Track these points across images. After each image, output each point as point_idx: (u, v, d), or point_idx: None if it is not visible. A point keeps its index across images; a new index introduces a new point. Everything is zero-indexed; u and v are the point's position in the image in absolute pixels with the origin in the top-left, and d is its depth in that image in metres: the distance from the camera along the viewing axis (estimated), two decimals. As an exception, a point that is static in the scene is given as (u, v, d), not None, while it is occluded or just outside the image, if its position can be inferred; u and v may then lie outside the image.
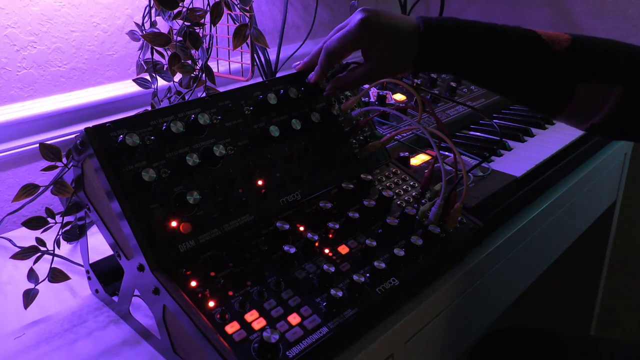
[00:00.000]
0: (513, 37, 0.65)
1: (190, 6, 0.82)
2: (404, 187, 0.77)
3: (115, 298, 0.68)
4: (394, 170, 0.79)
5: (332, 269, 0.58)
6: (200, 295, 0.54)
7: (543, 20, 1.49)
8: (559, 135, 1.04)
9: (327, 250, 0.64)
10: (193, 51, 0.84)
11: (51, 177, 0.68)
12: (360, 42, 0.67)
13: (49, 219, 0.70)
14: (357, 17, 0.66)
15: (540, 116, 1.11)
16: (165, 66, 0.87)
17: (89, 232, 0.69)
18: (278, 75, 1.03)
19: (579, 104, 0.65)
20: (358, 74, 0.70)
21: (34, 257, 0.68)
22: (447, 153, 0.91)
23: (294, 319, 0.55)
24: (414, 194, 0.76)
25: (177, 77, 0.88)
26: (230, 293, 0.56)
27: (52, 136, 0.95)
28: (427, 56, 0.66)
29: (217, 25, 0.83)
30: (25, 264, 0.69)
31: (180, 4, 0.80)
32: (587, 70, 0.64)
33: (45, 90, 0.95)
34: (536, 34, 0.65)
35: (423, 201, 0.75)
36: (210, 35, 0.85)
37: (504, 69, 0.66)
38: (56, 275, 0.69)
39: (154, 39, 0.82)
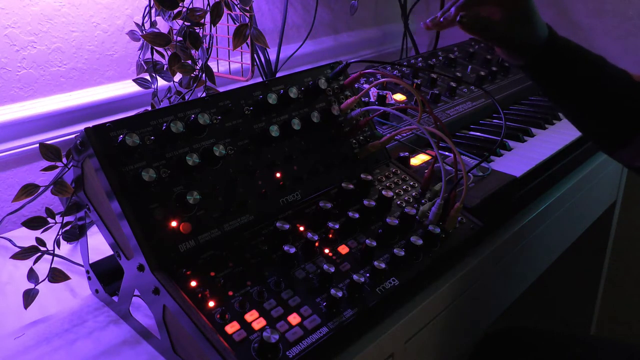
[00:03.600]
0: (607, 64, 0.71)
1: (190, 6, 0.82)
2: (404, 187, 0.77)
3: (115, 298, 0.68)
4: (394, 170, 0.79)
5: (332, 269, 0.58)
6: (200, 295, 0.54)
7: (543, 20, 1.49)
8: (559, 135, 1.04)
9: (327, 250, 0.64)
10: (193, 51, 0.84)
11: (51, 177, 0.68)
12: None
13: (49, 219, 0.70)
14: None
15: (540, 116, 1.11)
16: (165, 66, 0.87)
17: (89, 232, 0.69)
18: (278, 75, 1.03)
19: None
20: (497, 26, 0.70)
21: (34, 257, 0.68)
22: (447, 153, 0.91)
23: (294, 319, 0.55)
24: (414, 194, 0.76)
25: (177, 77, 0.88)
26: (230, 293, 0.56)
27: (52, 136, 0.95)
28: (545, 54, 0.69)
29: (217, 25, 0.83)
30: (25, 264, 0.69)
31: (180, 4, 0.80)
32: None
33: (45, 90, 0.95)
34: (617, 66, 0.71)
35: (423, 201, 0.75)
36: (210, 35, 0.85)
37: (594, 92, 0.70)
38: (56, 275, 0.69)
39: (154, 39, 0.82)
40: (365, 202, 0.69)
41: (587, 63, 0.71)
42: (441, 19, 0.72)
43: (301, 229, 0.65)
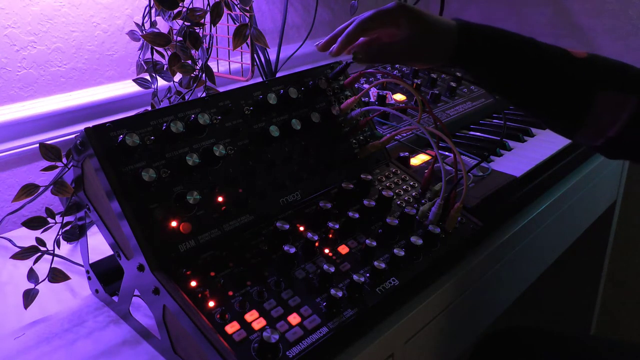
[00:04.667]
0: (539, 43, 0.67)
1: (190, 6, 0.82)
2: (404, 187, 0.77)
3: (115, 298, 0.68)
4: (394, 170, 0.79)
5: (332, 269, 0.58)
6: (200, 295, 0.54)
7: (543, 20, 1.49)
8: (559, 135, 1.03)
9: (327, 250, 0.64)
10: (193, 51, 0.84)
11: (51, 177, 0.68)
12: (396, 20, 0.66)
13: (49, 219, 0.70)
14: (394, 2, 0.66)
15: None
16: (165, 66, 0.87)
17: (89, 232, 0.69)
18: (278, 75, 1.03)
19: (597, 114, 0.65)
20: (392, 48, 0.67)
21: (34, 257, 0.68)
22: (447, 153, 0.91)
23: (294, 319, 0.55)
24: (414, 194, 0.76)
25: (177, 77, 0.88)
26: (230, 293, 0.56)
27: (52, 136, 0.95)
28: (462, 51, 0.66)
29: (217, 25, 0.83)
30: (25, 264, 0.69)
31: (180, 4, 0.80)
32: (605, 78, 0.66)
33: (45, 90, 0.95)
34: (554, 45, 0.67)
35: (423, 201, 0.75)
36: (210, 35, 0.85)
37: (531, 74, 0.67)
38: (56, 275, 0.69)
39: (154, 39, 0.82)
40: (365, 202, 0.69)
41: (513, 44, 0.67)
42: (328, 51, 0.70)
43: (301, 229, 0.65)
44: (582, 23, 1.43)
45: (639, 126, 0.65)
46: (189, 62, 0.84)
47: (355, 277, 0.59)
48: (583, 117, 0.66)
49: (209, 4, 0.82)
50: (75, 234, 0.70)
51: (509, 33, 0.68)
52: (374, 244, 0.63)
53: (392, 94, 1.06)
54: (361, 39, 0.69)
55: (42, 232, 0.70)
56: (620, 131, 0.65)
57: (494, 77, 0.69)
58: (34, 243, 0.69)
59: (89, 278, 0.71)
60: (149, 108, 0.92)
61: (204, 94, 0.84)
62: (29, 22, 0.90)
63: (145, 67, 0.88)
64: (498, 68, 0.68)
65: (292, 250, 0.60)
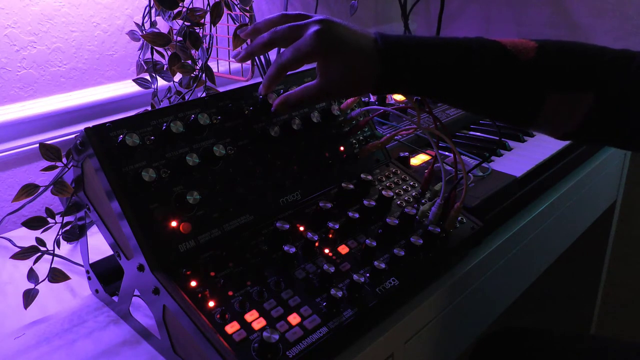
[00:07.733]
0: (478, 50, 0.61)
1: (190, 6, 0.82)
2: (404, 187, 0.77)
3: (115, 298, 0.68)
4: (394, 170, 0.79)
5: (332, 269, 0.58)
6: (200, 295, 0.54)
7: (543, 20, 1.49)
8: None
9: (327, 250, 0.64)
10: (193, 51, 0.84)
11: (51, 177, 0.68)
12: (316, 56, 0.60)
13: (49, 219, 0.70)
14: (312, 28, 0.60)
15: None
16: (165, 66, 0.87)
17: (89, 232, 0.69)
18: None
19: (549, 115, 0.62)
20: (312, 92, 0.63)
21: (34, 257, 0.68)
22: (447, 153, 0.91)
23: (294, 319, 0.55)
24: (414, 194, 0.76)
25: (177, 77, 0.88)
26: (230, 293, 0.56)
27: (52, 136, 0.95)
28: (388, 75, 0.60)
29: (217, 25, 0.83)
30: (25, 264, 0.69)
31: (180, 4, 0.80)
32: (555, 80, 0.61)
33: (45, 90, 0.95)
34: (501, 45, 0.61)
35: (423, 201, 0.75)
36: (210, 35, 0.85)
37: (470, 84, 0.62)
38: (56, 275, 0.69)
39: (154, 39, 0.82)
40: (365, 202, 0.69)
41: (445, 64, 0.61)
42: (258, 92, 0.67)
43: (301, 229, 0.65)
44: (582, 23, 1.43)
45: (601, 117, 0.61)
46: (189, 62, 0.84)
47: (355, 277, 0.59)
48: (533, 120, 0.63)
49: (209, 4, 0.82)
50: (75, 234, 0.70)
51: (433, 43, 0.61)
52: (374, 244, 0.63)
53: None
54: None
55: (42, 232, 0.70)
56: (580, 127, 0.62)
57: (429, 97, 0.65)
58: (34, 243, 0.69)
59: (89, 278, 0.71)
60: (149, 108, 0.92)
61: (204, 94, 0.84)
62: (29, 22, 0.90)
63: (145, 67, 0.88)
64: (432, 92, 0.63)
65: (292, 250, 0.60)
